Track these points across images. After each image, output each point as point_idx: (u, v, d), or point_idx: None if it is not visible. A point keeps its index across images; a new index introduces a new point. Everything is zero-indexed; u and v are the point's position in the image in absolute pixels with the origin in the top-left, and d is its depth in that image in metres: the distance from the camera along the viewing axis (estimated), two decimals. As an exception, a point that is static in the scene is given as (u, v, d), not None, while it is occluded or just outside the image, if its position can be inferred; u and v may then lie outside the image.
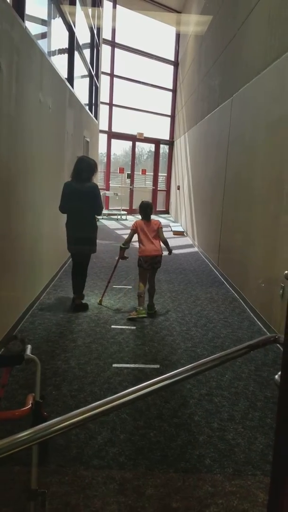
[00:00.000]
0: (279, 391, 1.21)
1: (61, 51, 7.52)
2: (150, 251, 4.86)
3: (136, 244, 5.06)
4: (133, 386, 1.19)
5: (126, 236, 5.06)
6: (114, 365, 3.60)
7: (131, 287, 5.94)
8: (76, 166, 4.95)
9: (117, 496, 2.15)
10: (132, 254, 5.72)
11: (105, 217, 14.47)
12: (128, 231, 5.03)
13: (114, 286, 5.97)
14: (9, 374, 2.05)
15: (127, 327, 4.51)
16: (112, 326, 4.51)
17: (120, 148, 16.67)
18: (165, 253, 5.06)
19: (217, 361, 1.27)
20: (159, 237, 4.95)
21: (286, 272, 1.16)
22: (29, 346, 2.02)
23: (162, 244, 4.99)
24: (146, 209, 4.97)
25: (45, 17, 6.75)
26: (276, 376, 1.24)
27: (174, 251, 8.76)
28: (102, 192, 14.57)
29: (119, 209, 14.91)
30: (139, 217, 5.07)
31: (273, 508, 1.24)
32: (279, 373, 1.22)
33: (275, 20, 4.82)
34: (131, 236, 4.96)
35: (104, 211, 14.71)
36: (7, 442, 1.06)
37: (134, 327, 4.51)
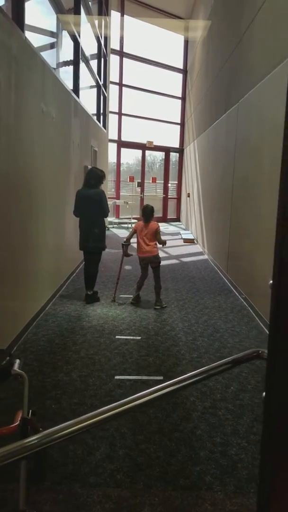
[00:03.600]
0: (263, 408, 1.13)
1: (69, 62, 7.56)
2: (142, 252, 5.49)
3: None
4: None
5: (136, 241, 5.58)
6: (117, 377, 3.53)
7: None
8: (86, 175, 5.75)
9: (112, 516, 2.07)
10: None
11: (115, 225, 14.45)
12: None
13: (120, 296, 5.91)
14: (-3, 389, 1.99)
15: (131, 337, 4.44)
16: (117, 337, 4.44)
17: (133, 156, 16.67)
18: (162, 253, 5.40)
19: (199, 377, 1.19)
20: (156, 238, 5.46)
21: (270, 282, 1.08)
22: (17, 361, 1.95)
23: (158, 245, 5.54)
24: (145, 211, 5.54)
25: (54, 29, 6.81)
26: (264, 394, 1.16)
27: (183, 259, 8.73)
28: (112, 201, 14.59)
29: (130, 218, 14.88)
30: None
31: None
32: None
33: (279, 24, 4.76)
34: (131, 234, 5.59)
35: (114, 220, 14.69)
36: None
37: (139, 337, 4.43)
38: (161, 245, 5.54)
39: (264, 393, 1.14)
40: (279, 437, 1.06)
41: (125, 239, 5.59)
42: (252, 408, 3.11)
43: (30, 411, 2.01)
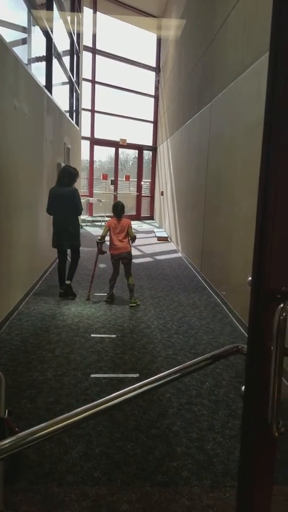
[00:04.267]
0: (243, 403, 1.15)
1: (41, 58, 7.47)
2: (115, 249, 5.51)
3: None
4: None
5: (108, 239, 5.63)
6: (92, 375, 3.52)
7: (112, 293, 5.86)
8: (59, 173, 5.81)
9: (90, 514, 2.07)
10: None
11: (89, 223, 14.38)
12: None
13: (95, 294, 5.89)
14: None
15: (107, 335, 4.43)
16: (92, 335, 4.42)
17: (106, 154, 16.61)
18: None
19: (179, 373, 1.20)
20: (128, 234, 5.53)
21: (249, 278, 1.10)
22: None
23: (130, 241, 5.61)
24: (116, 208, 5.59)
25: (25, 24, 6.69)
26: (243, 388, 1.18)
27: (157, 257, 8.83)
28: (85, 199, 14.50)
29: (103, 216, 14.82)
30: None
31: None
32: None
33: (251, 24, 4.82)
34: (105, 232, 5.56)
35: (88, 218, 14.61)
36: None
37: (115, 336, 4.43)
38: (132, 241, 5.58)
39: (243, 387, 1.16)
40: (258, 430, 1.08)
41: (99, 237, 5.58)
42: (227, 403, 3.15)
43: (7, 410, 1.99)
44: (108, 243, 5.64)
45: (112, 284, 5.69)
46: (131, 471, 2.38)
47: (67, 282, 5.72)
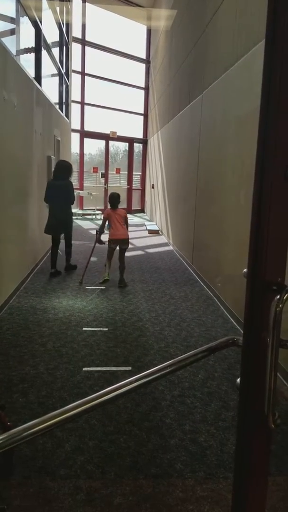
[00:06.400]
0: (239, 395, 1.15)
1: (30, 50, 7.36)
2: (118, 235, 5.88)
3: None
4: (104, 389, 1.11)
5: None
6: (85, 368, 3.51)
7: (104, 287, 5.85)
8: (55, 167, 6.54)
9: (84, 507, 2.06)
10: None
11: (80, 217, 14.30)
12: None
13: (87, 287, 5.87)
14: None
15: (99, 329, 4.42)
16: (84, 328, 4.40)
17: (96, 147, 16.49)
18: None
19: (176, 366, 1.19)
20: (126, 224, 5.99)
21: (244, 270, 1.09)
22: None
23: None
24: (112, 200, 5.98)
25: (13, 14, 6.57)
26: (238, 380, 1.18)
27: (149, 250, 8.87)
28: (76, 192, 14.39)
29: (94, 209, 14.75)
30: None
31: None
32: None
33: (242, 15, 4.80)
34: (104, 223, 6.05)
35: (78, 211, 14.53)
36: None
37: (107, 329, 4.42)
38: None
39: (238, 380, 1.15)
40: (255, 422, 1.08)
41: (99, 228, 6.07)
42: (220, 395, 3.16)
43: (-1, 405, 1.97)
44: (107, 232, 6.00)
45: (108, 264, 6.06)
46: (125, 464, 2.38)
47: (66, 263, 6.62)
